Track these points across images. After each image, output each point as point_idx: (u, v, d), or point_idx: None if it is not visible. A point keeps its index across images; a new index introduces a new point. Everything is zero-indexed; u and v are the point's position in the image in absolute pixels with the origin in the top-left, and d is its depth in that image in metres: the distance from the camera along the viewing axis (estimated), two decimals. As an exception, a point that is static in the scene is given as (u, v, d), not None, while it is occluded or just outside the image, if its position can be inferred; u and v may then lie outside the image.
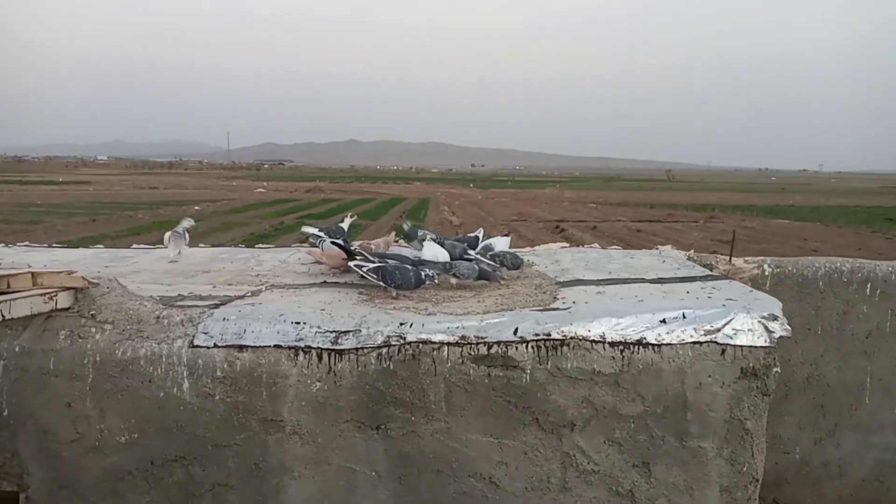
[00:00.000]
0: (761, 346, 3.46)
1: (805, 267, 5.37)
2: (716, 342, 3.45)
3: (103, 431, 3.60)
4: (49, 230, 27.94)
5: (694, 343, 3.45)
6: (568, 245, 6.38)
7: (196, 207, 41.51)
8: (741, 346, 3.45)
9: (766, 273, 5.31)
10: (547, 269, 5.01)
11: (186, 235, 5.55)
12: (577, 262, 5.27)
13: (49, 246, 6.45)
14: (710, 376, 3.45)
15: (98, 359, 3.56)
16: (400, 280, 4.09)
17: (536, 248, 6.15)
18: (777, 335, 3.48)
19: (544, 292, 4.19)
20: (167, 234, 5.52)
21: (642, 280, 4.46)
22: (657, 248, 5.90)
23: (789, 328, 3.52)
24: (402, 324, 3.54)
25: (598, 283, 4.40)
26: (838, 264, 5.39)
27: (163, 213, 37.33)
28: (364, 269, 4.22)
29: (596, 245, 6.40)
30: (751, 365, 3.46)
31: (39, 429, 3.63)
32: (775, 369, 3.49)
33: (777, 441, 5.22)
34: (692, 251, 5.71)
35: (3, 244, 6.28)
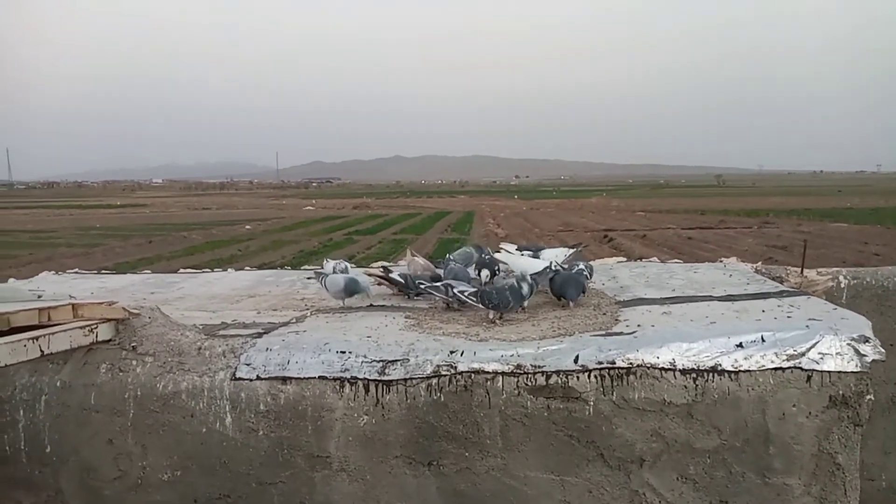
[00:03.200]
0: (852, 372, 3.11)
1: (885, 277, 4.97)
2: (800, 368, 3.12)
3: (146, 469, 3.46)
4: (108, 252, 28.77)
5: (775, 369, 3.12)
6: (624, 258, 6.07)
7: (247, 227, 42.28)
8: (829, 372, 3.11)
9: (843, 285, 4.92)
10: (604, 286, 4.73)
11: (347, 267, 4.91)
12: (636, 279, 4.96)
13: (98, 272, 6.45)
14: (794, 406, 3.12)
15: (139, 393, 3.44)
16: (497, 300, 3.87)
17: (590, 263, 5.84)
18: (869, 359, 3.12)
19: (604, 314, 3.91)
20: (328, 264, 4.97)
21: (710, 297, 4.13)
22: (721, 261, 5.55)
23: (883, 351, 3.16)
24: (452, 352, 3.31)
25: (662, 301, 4.09)
26: (923, 273, 4.98)
27: (215, 234, 38.11)
28: (465, 293, 4.03)
29: (654, 258, 6.07)
30: (840, 392, 3.11)
31: (82, 466, 3.52)
32: (868, 397, 3.14)
33: (860, 467, 4.81)
34: (759, 263, 5.35)
35: (53, 272, 6.29)
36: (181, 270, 6.49)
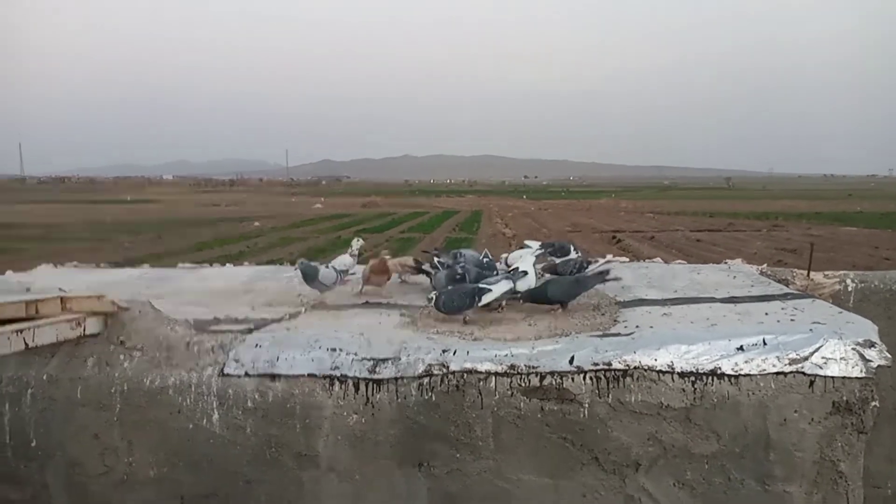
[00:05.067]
0: (856, 377, 3.01)
1: (893, 281, 4.85)
2: (803, 372, 3.02)
3: (132, 465, 3.40)
4: (117, 247, 28.86)
5: (777, 373, 3.03)
6: (627, 259, 5.96)
7: (256, 223, 42.30)
8: (833, 378, 3.01)
9: (850, 288, 4.80)
10: (605, 286, 4.62)
11: (356, 255, 5.01)
12: (639, 279, 4.86)
13: (97, 266, 6.41)
14: (796, 411, 3.02)
15: (126, 388, 3.37)
16: (446, 305, 3.77)
17: (593, 264, 5.74)
18: (875, 364, 3.03)
19: (603, 314, 3.82)
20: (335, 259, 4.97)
21: (712, 299, 4.03)
22: (726, 263, 5.44)
23: (889, 356, 3.07)
24: (444, 351, 3.23)
25: (663, 302, 4.00)
26: (933, 278, 4.86)
27: (224, 230, 38.15)
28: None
29: (658, 259, 5.96)
30: (844, 398, 3.02)
31: (67, 461, 3.46)
32: (873, 403, 3.04)
33: (865, 474, 4.69)
34: (765, 265, 5.24)
35: (52, 265, 6.25)
36: (180, 265, 6.43)
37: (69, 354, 3.47)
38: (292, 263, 6.69)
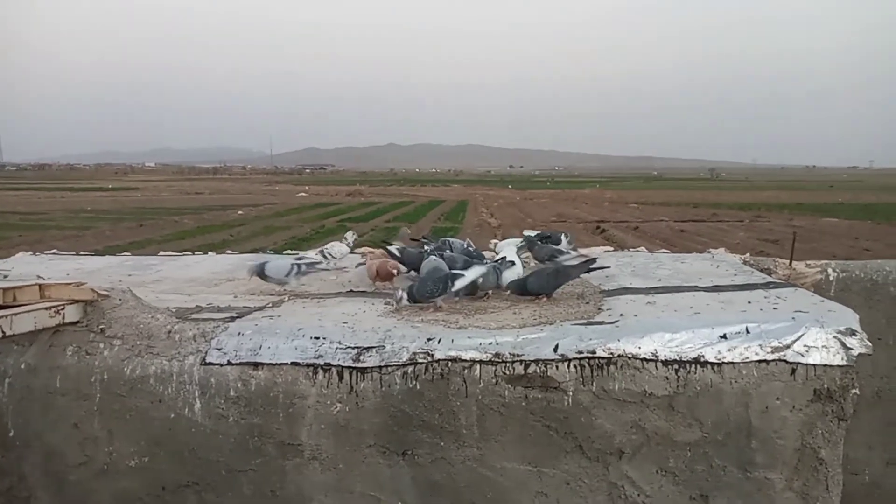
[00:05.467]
0: (837, 366, 3.04)
1: (874, 271, 4.89)
2: (785, 360, 3.04)
3: (112, 454, 3.36)
4: (98, 235, 28.54)
5: (759, 362, 3.05)
6: (612, 248, 5.98)
7: (239, 212, 42.02)
8: (814, 366, 3.03)
9: (831, 278, 4.84)
10: (590, 275, 4.63)
11: (347, 246, 5.09)
12: (623, 268, 4.87)
13: (77, 254, 6.32)
14: (778, 399, 3.04)
15: (106, 377, 3.33)
16: (418, 292, 3.77)
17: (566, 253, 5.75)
18: (856, 352, 3.05)
19: (587, 303, 3.83)
20: (329, 244, 5.10)
21: (696, 288, 4.05)
22: (709, 252, 5.46)
23: (869, 344, 3.09)
24: (429, 339, 3.22)
25: (647, 291, 4.01)
26: (912, 268, 4.91)
27: (206, 218, 37.85)
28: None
29: (642, 248, 5.98)
30: (825, 386, 3.04)
31: (46, 451, 3.41)
32: (853, 391, 3.07)
33: (844, 461, 4.76)
34: (748, 254, 5.27)
35: (31, 252, 6.17)
36: (161, 253, 6.36)
37: (48, 343, 3.42)
38: (276, 252, 6.67)
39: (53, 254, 6.20)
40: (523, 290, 3.91)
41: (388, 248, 4.75)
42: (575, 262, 4.44)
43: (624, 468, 3.15)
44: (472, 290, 4.00)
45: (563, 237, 5.06)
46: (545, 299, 3.91)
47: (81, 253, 6.39)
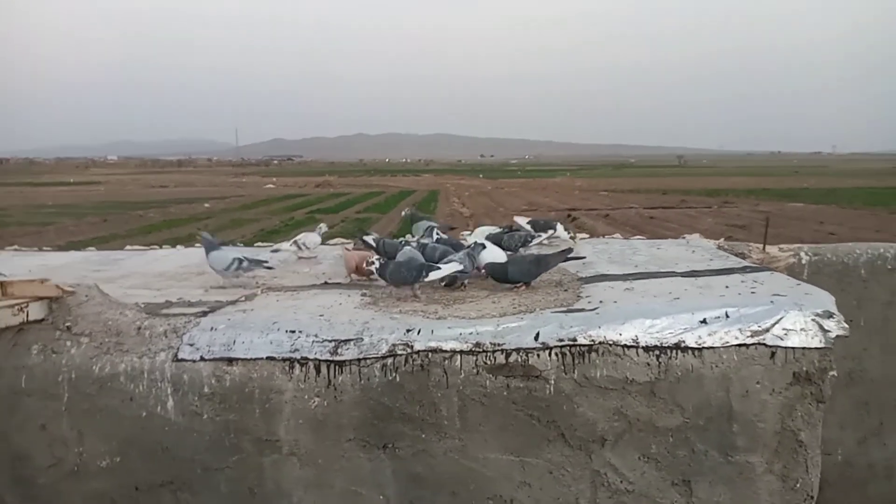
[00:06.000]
0: (816, 348, 3.05)
1: (845, 254, 4.97)
2: (764, 344, 3.05)
3: (82, 455, 3.26)
4: (61, 231, 27.84)
5: (739, 346, 3.05)
6: (587, 236, 5.97)
7: (206, 205, 41.36)
8: (793, 349, 3.04)
9: (804, 261, 4.91)
10: (567, 263, 4.61)
11: (319, 236, 5.20)
12: (599, 255, 4.86)
13: (40, 250, 6.13)
14: (758, 383, 3.05)
15: (73, 375, 3.22)
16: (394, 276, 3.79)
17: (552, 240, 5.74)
18: (833, 335, 3.07)
19: (566, 290, 3.81)
20: (301, 235, 5.15)
21: (673, 273, 4.05)
22: (684, 237, 5.49)
23: (847, 326, 3.11)
24: (408, 330, 3.16)
25: (624, 277, 4.00)
26: (881, 250, 4.99)
27: (173, 212, 37.18)
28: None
29: (617, 235, 6.00)
30: (804, 369, 3.06)
31: (13, 454, 3.30)
32: (831, 373, 3.09)
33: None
34: (722, 239, 5.31)
35: (-9, 249, 5.96)
36: (128, 248, 6.20)
37: (11, 342, 3.30)
38: (246, 244, 6.56)
39: (15, 250, 6.00)
40: (504, 277, 3.88)
41: (364, 238, 4.67)
42: (548, 252, 4.44)
43: (607, 455, 3.14)
44: (451, 281, 3.95)
45: (558, 225, 5.08)
46: (524, 288, 3.88)
47: (45, 249, 6.19)
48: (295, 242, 5.07)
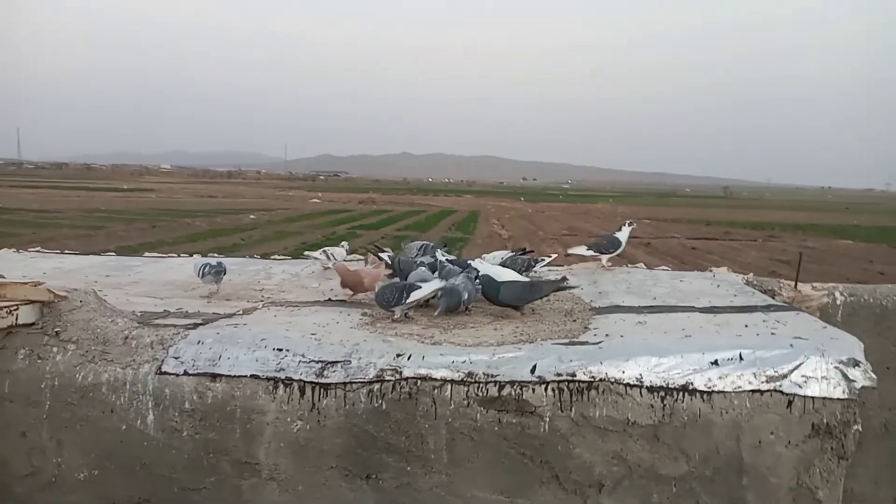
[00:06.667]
0: (838, 399, 2.79)
1: (884, 296, 4.64)
2: (781, 391, 2.80)
3: (60, 466, 3.17)
4: (110, 235, 28.56)
5: (753, 391, 2.81)
6: (610, 264, 5.73)
7: (252, 216, 42.02)
8: (813, 398, 2.79)
9: (838, 302, 4.60)
10: (583, 291, 4.41)
11: (345, 251, 5.49)
12: (618, 284, 4.64)
13: (61, 252, 6.17)
14: (772, 433, 2.80)
15: (56, 383, 3.15)
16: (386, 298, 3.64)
17: (573, 266, 5.53)
18: (859, 385, 2.80)
19: (574, 320, 3.60)
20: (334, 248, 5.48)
21: (692, 308, 3.81)
22: (710, 270, 5.22)
23: (874, 376, 2.84)
24: (399, 355, 3.00)
25: (639, 310, 3.78)
26: (923, 293, 4.65)
27: (219, 221, 37.87)
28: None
29: (641, 265, 5.74)
30: (824, 421, 2.80)
31: (-8, 460, 3.22)
32: (855, 427, 2.82)
33: (849, 496, 4.49)
34: (751, 274, 5.02)
35: (14, 249, 6.02)
36: (146, 254, 6.20)
37: (-1, 345, 3.24)
38: (294, 256, 6.66)
39: (37, 251, 6.05)
40: (495, 297, 3.71)
41: (380, 255, 4.56)
42: (550, 278, 4.29)
43: (604, 502, 2.91)
44: (454, 306, 3.76)
45: (620, 241, 5.15)
46: (520, 313, 3.70)
47: (66, 252, 6.22)
48: (324, 252, 5.34)
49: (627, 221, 5.39)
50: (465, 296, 3.69)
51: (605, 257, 5.22)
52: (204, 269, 4.29)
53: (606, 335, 3.19)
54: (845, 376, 2.80)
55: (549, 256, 4.81)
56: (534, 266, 4.45)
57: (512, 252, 4.86)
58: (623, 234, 5.21)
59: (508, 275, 4.05)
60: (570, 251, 5.51)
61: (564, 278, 4.09)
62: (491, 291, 3.72)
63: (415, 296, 3.59)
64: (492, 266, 4.20)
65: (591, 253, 5.24)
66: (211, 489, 3.08)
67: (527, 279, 3.94)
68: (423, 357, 2.98)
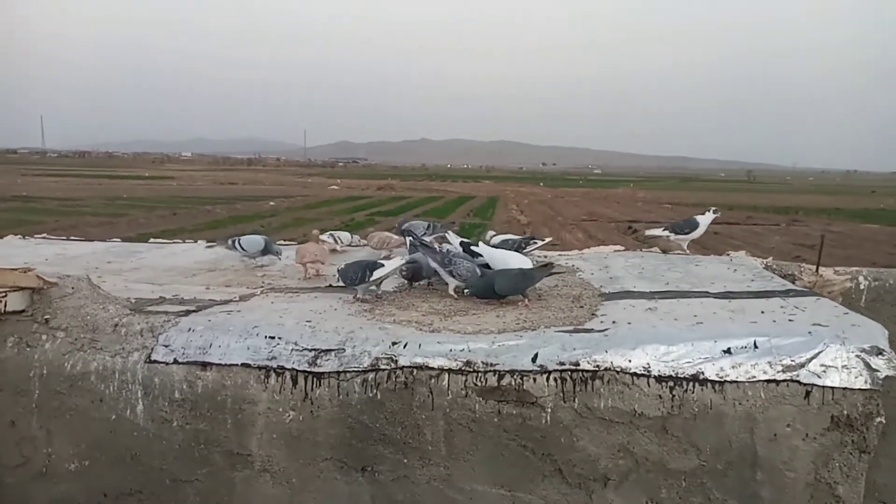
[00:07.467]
0: (860, 389, 2.61)
1: (912, 280, 4.42)
2: (798, 381, 2.63)
3: (51, 456, 3.10)
4: (132, 222, 28.78)
5: (768, 382, 2.64)
6: (622, 248, 5.56)
7: (271, 203, 42.16)
8: (833, 388, 2.62)
9: (862, 287, 4.39)
10: (593, 276, 4.25)
11: (351, 236, 5.81)
12: (630, 269, 4.46)
13: (67, 238, 6.12)
14: (788, 426, 2.64)
15: (45, 372, 3.07)
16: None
17: (585, 251, 5.36)
18: (882, 375, 2.62)
19: (582, 306, 3.44)
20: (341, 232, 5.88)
21: (706, 294, 3.64)
22: (728, 255, 5.02)
23: (900, 365, 2.66)
24: (394, 343, 2.88)
25: (650, 296, 3.61)
26: (955, 277, 4.42)
27: (239, 209, 38.03)
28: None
29: (656, 249, 5.55)
30: (845, 413, 2.62)
31: (-18, 450, 3.16)
32: (878, 419, 2.64)
33: (872, 488, 4.30)
34: (770, 258, 4.81)
35: (20, 236, 5.98)
36: (151, 240, 6.14)
37: (-13, 333, 3.17)
38: (305, 243, 6.65)
39: (43, 237, 6.01)
40: (489, 291, 3.56)
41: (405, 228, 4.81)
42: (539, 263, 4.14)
43: (609, 497, 2.78)
44: (415, 276, 3.86)
45: (698, 222, 5.03)
46: (526, 301, 3.55)
47: (71, 238, 6.17)
48: (331, 235, 5.58)
49: (713, 208, 5.26)
50: (424, 271, 3.78)
51: (683, 240, 5.08)
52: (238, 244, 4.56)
53: (613, 322, 3.04)
54: (868, 365, 2.63)
55: (542, 239, 4.63)
56: (524, 248, 4.28)
57: (517, 237, 4.70)
58: (704, 218, 5.07)
59: (514, 259, 3.90)
60: (647, 233, 5.49)
61: (551, 264, 3.92)
62: (481, 288, 3.59)
63: (377, 273, 3.56)
64: (494, 250, 4.05)
65: (667, 234, 5.12)
66: (203, 481, 2.99)
67: (519, 269, 3.78)
68: (420, 345, 2.85)
